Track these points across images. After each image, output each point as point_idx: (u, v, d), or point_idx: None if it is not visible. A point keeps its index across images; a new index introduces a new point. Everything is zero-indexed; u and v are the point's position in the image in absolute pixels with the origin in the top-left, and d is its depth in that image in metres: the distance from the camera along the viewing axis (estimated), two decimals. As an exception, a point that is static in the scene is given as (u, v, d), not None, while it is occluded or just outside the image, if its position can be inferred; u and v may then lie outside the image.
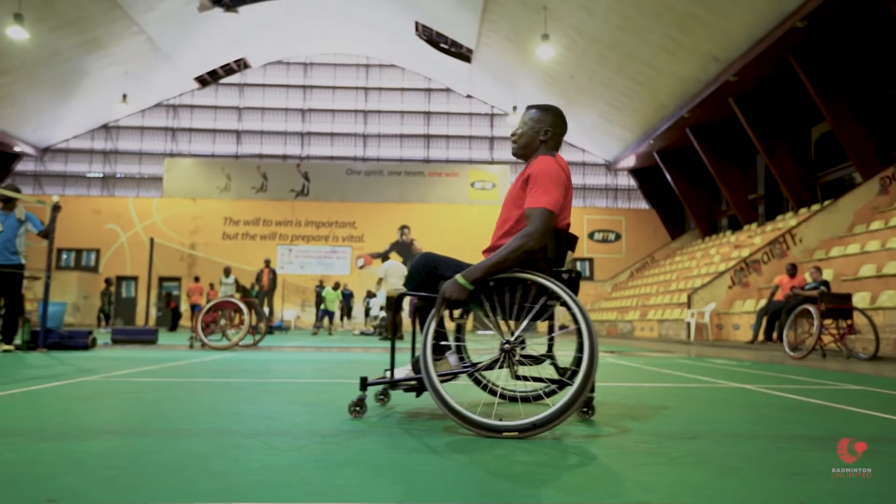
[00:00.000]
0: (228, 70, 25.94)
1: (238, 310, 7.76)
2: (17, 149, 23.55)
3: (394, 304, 10.54)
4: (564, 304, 2.11)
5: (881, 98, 14.47)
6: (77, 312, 19.75)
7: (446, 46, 22.89)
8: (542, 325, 2.41)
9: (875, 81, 14.39)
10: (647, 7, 14.74)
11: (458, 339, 2.57)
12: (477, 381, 2.67)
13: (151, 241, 9.84)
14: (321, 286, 18.62)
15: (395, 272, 11.37)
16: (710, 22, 14.21)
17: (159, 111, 26.11)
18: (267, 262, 14.76)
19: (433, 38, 22.89)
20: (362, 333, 16.38)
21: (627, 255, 25.02)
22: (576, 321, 2.06)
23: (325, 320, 16.68)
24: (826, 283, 8.79)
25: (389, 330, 9.61)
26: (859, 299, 9.42)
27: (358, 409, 2.31)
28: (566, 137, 18.24)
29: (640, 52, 16.71)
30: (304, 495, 1.30)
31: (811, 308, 7.35)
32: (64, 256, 23.70)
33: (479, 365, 2.28)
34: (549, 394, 2.42)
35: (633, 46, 16.62)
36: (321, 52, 26.57)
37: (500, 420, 1.95)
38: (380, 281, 11.64)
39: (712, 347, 10.31)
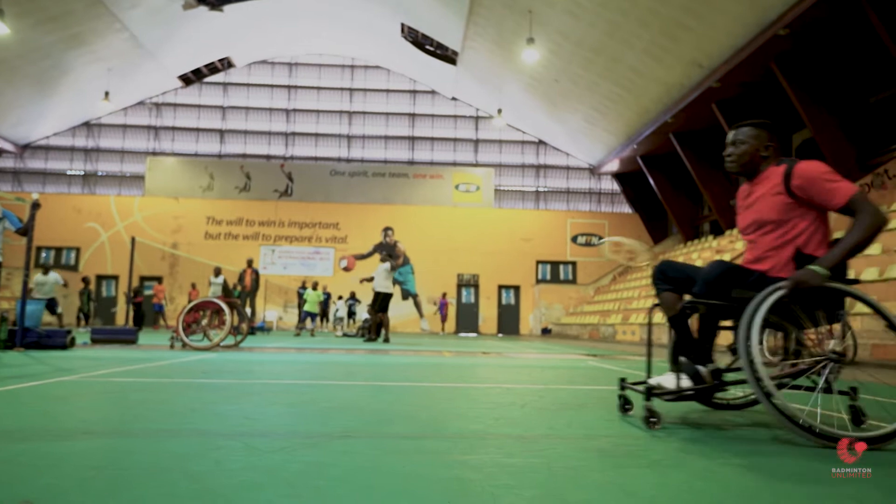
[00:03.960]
0: (213, 69, 25.74)
1: (220, 310, 7.69)
2: (-5, 145, 23.19)
3: (379, 304, 10.43)
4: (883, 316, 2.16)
5: (861, 106, 14.72)
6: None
7: (432, 48, 22.90)
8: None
9: (856, 89, 14.62)
10: (632, 13, 14.86)
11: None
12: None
13: (133, 240, 9.73)
14: (304, 287, 18.58)
15: (382, 274, 11.33)
16: (694, 29, 14.36)
17: (142, 109, 25.83)
18: (249, 263, 14.65)
19: (419, 40, 22.90)
20: (345, 335, 16.32)
21: (610, 258, 25.18)
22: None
23: (308, 321, 16.61)
24: (805, 288, 8.89)
25: (373, 330, 9.53)
26: (837, 304, 9.55)
27: (654, 420, 2.24)
28: (550, 140, 18.15)
29: (626, 58, 16.84)
30: (284, 497, 1.30)
31: (790, 313, 7.44)
32: (43, 255, 23.33)
33: (793, 371, 2.29)
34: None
35: (618, 52, 16.75)
36: (306, 53, 26.46)
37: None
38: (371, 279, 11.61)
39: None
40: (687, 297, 2.42)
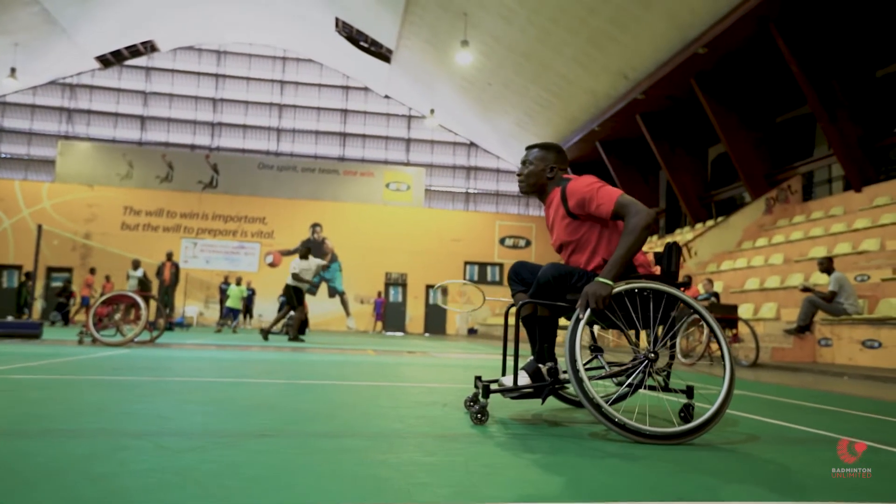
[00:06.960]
0: (134, 52, 24.51)
1: (135, 304, 7.35)
2: None
3: (294, 300, 10.18)
4: (703, 319, 2.31)
5: (769, 125, 15.70)
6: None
7: (366, 45, 22.69)
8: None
9: (765, 109, 15.58)
10: (563, 21, 15.25)
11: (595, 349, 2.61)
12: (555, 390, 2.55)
13: (39, 228, 9.16)
14: (226, 282, 18.02)
15: (311, 270, 11.11)
16: (621, 41, 14.89)
17: (54, 89, 24.28)
18: (169, 256, 14.07)
19: (353, 36, 22.64)
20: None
21: (537, 261, 25.66)
22: (714, 336, 2.28)
23: (230, 318, 16.12)
24: (716, 295, 9.40)
25: (294, 328, 9.25)
26: (744, 310, 10.14)
27: (481, 416, 2.29)
28: (481, 143, 18.30)
29: (556, 65, 17.26)
30: (194, 498, 1.25)
31: (701, 317, 7.84)
32: (-64, 241, 21.55)
33: (617, 371, 2.35)
34: (623, 397, 2.48)
35: (548, 58, 17.14)
36: (236, 41, 25.63)
37: (658, 427, 2.06)
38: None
39: (611, 353, 10.73)
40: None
